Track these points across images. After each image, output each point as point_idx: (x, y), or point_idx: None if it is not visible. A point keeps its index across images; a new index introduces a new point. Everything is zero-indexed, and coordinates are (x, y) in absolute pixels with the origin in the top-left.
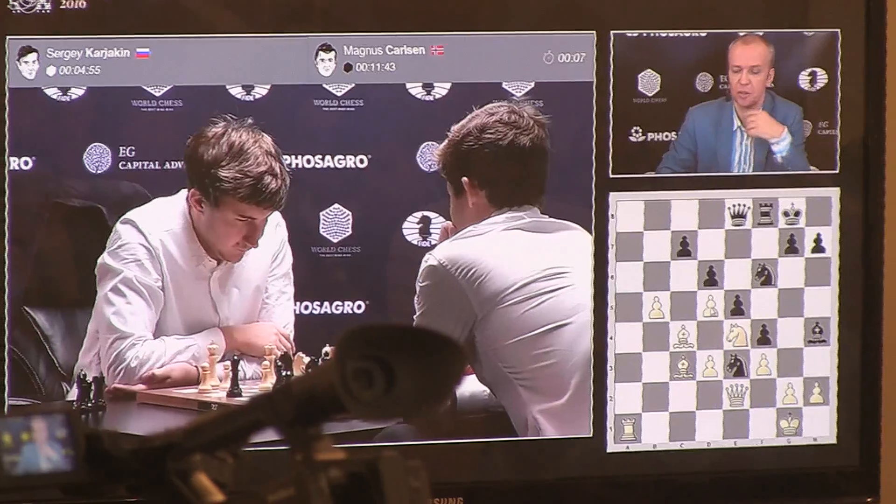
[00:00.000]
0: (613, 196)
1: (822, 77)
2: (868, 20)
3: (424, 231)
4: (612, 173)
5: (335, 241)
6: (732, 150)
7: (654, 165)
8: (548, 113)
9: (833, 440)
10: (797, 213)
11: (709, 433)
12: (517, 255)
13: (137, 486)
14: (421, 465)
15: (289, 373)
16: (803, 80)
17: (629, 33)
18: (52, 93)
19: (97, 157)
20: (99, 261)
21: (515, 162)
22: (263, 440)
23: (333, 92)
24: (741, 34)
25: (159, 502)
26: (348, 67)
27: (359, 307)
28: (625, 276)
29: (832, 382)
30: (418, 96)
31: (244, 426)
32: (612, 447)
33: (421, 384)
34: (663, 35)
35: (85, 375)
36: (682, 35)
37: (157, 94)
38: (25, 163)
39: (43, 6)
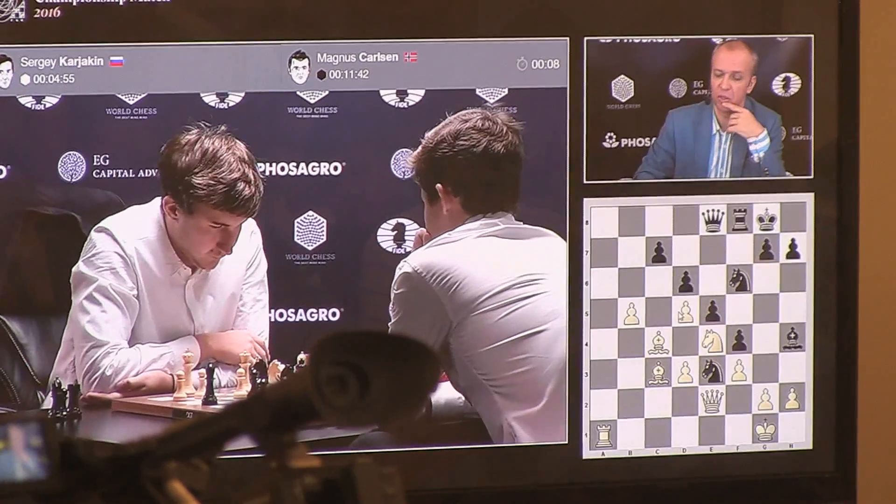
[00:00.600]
0: (588, 202)
1: (796, 82)
2: (841, 25)
3: (399, 238)
4: (587, 179)
5: (310, 248)
6: (711, 153)
7: (630, 171)
8: (521, 119)
9: (809, 446)
10: (772, 219)
11: (684, 439)
12: (492, 261)
13: (112, 494)
14: (396, 471)
15: (264, 380)
16: (777, 86)
17: (602, 39)
18: (27, 101)
19: (71, 166)
20: (74, 269)
21: (489, 168)
22: (238, 447)
23: (307, 99)
24: (716, 40)
25: None
26: (322, 75)
27: (333, 314)
28: (600, 283)
29: (808, 388)
30: (392, 103)
31: (218, 433)
32: (587, 454)
33: (395, 390)
34: (636, 41)
35: (60, 384)
36: (655, 41)
37: (130, 103)
38: (0, 171)
39: (17, 15)
